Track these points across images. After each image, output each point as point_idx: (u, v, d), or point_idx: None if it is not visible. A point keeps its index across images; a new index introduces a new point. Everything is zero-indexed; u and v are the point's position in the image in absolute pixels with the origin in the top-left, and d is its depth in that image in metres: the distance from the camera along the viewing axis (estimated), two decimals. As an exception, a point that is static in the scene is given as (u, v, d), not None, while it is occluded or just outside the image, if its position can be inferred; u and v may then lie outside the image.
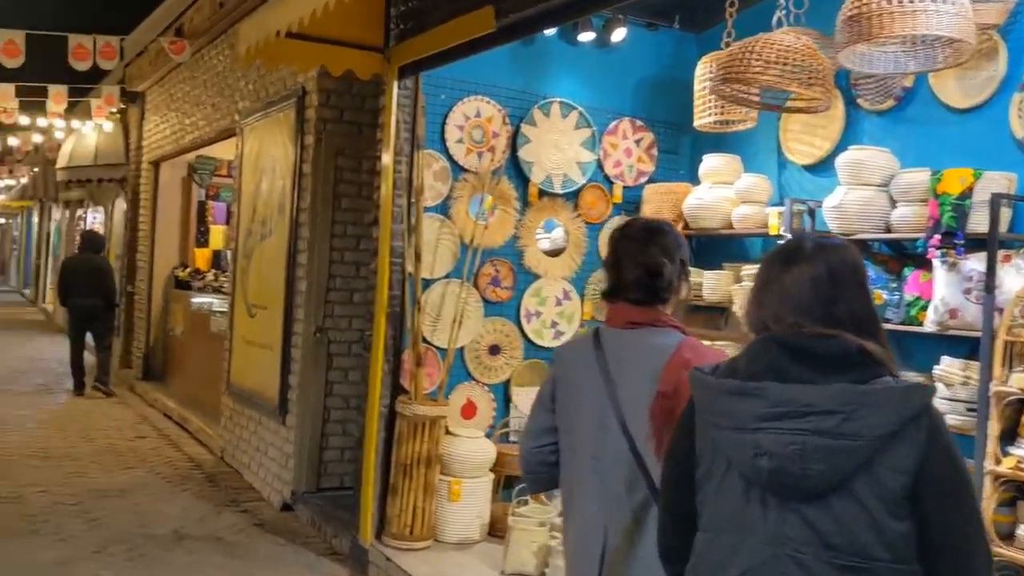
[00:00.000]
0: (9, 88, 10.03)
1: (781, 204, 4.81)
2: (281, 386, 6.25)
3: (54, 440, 7.93)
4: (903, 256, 4.34)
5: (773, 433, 1.63)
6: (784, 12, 3.93)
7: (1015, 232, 3.98)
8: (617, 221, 5.50)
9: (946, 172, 3.93)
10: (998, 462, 3.56)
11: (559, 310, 5.66)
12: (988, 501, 3.55)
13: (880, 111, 4.68)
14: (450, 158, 5.31)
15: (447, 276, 5.30)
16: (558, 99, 5.59)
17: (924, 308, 4.03)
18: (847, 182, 4.37)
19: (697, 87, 4.40)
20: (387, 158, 4.95)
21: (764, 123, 4.82)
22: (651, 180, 5.82)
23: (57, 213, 21.27)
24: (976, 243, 3.82)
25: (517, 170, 5.54)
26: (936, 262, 3.94)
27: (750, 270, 4.72)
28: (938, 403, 3.51)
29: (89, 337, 10.58)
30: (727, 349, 4.04)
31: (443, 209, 5.30)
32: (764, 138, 5.27)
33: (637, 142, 5.83)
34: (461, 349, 5.35)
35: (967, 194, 3.85)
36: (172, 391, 9.91)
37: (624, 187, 5.79)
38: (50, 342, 14.76)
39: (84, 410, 9.50)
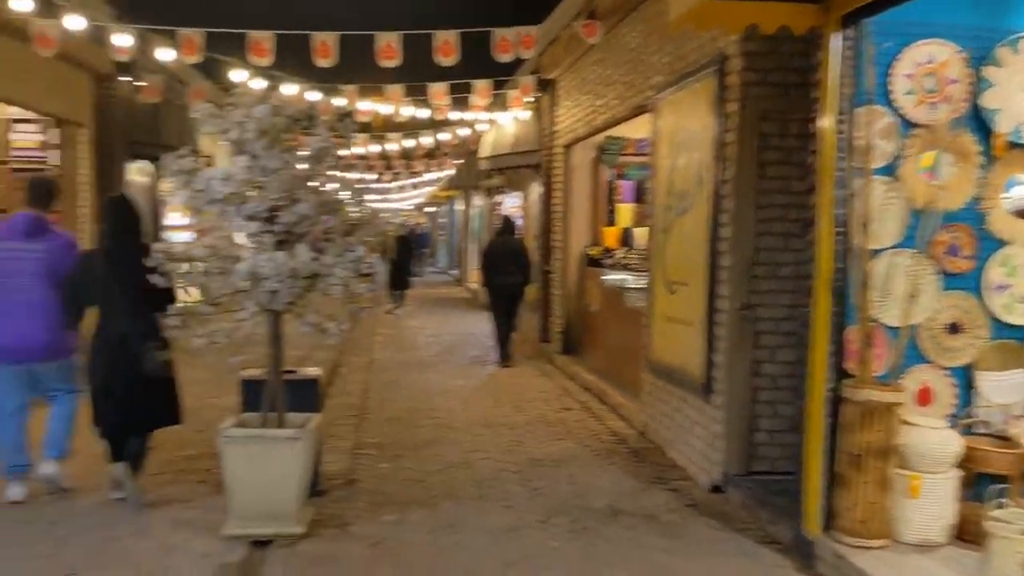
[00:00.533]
0: (443, 87, 10.98)
1: None
2: (706, 364, 6.08)
3: (491, 410, 8.55)
4: None
5: None
6: None
7: None
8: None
9: None
10: None
11: (1035, 281, 4.82)
12: None
13: None
14: (897, 112, 4.73)
15: (895, 246, 4.74)
16: (1031, 32, 4.74)
17: None
18: None
19: None
20: (826, 118, 4.51)
21: None
22: None
23: (478, 200, 23.25)
24: None
25: (978, 120, 4.79)
26: None
27: None
28: None
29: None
30: None
31: (889, 170, 4.74)
32: None
33: None
34: (914, 327, 4.76)
35: None
36: (590, 365, 10.26)
37: (1121, 131, 4.77)
38: (476, 319, 16.13)
39: (511, 381, 10.17)
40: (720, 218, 5.96)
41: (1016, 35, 4.75)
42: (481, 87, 11.19)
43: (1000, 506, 4.02)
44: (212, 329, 4.89)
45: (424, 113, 12.58)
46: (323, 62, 8.28)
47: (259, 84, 9.06)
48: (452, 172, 24.46)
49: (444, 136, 15.94)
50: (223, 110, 4.94)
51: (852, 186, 4.52)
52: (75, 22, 7.24)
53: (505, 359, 11.35)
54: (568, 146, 11.31)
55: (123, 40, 7.74)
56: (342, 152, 5.19)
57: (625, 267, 9.74)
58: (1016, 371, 4.85)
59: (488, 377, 10.54)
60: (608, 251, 10.80)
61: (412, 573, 4.53)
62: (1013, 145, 4.79)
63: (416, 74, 10.32)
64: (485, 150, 14.75)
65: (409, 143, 16.63)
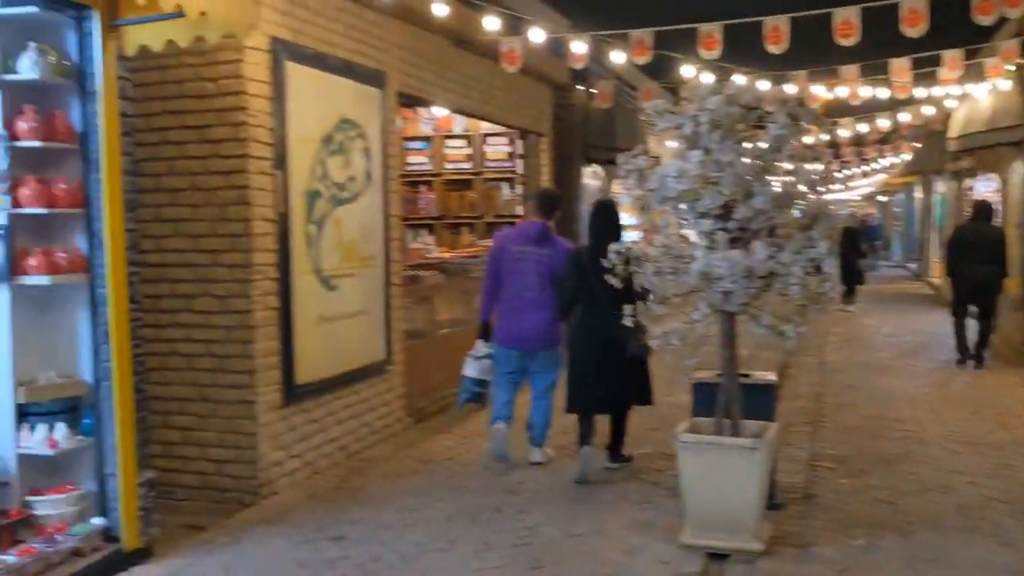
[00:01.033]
0: (905, 62, 9.92)
1: None
2: None
3: (968, 424, 7.48)
4: None
5: None
6: None
7: None
8: None
9: None
10: None
11: None
12: None
13: None
14: None
15: None
16: None
17: None
18: None
19: None
20: None
21: None
22: None
23: (940, 185, 20.96)
24: None
25: None
26: None
27: None
28: None
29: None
30: None
31: None
32: None
33: None
34: None
35: None
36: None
37: None
38: (940, 317, 14.46)
39: (990, 391, 8.85)
40: None
41: None
42: (951, 58, 9.91)
43: None
44: (666, 330, 4.80)
45: (883, 93, 11.50)
46: (774, 48, 7.85)
47: (707, 78, 8.90)
48: (909, 156, 22.33)
49: (904, 117, 14.50)
50: (676, 105, 4.83)
51: None
52: (537, 35, 7.67)
53: (977, 362, 9.98)
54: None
55: (579, 47, 8.04)
56: (803, 140, 4.77)
57: None
58: None
59: (962, 385, 9.29)
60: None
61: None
62: None
63: (874, 52, 9.41)
64: (954, 129, 13.13)
65: (862, 128, 15.40)
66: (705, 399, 5.06)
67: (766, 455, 4.60)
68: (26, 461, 4.36)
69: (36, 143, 4.24)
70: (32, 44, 4.20)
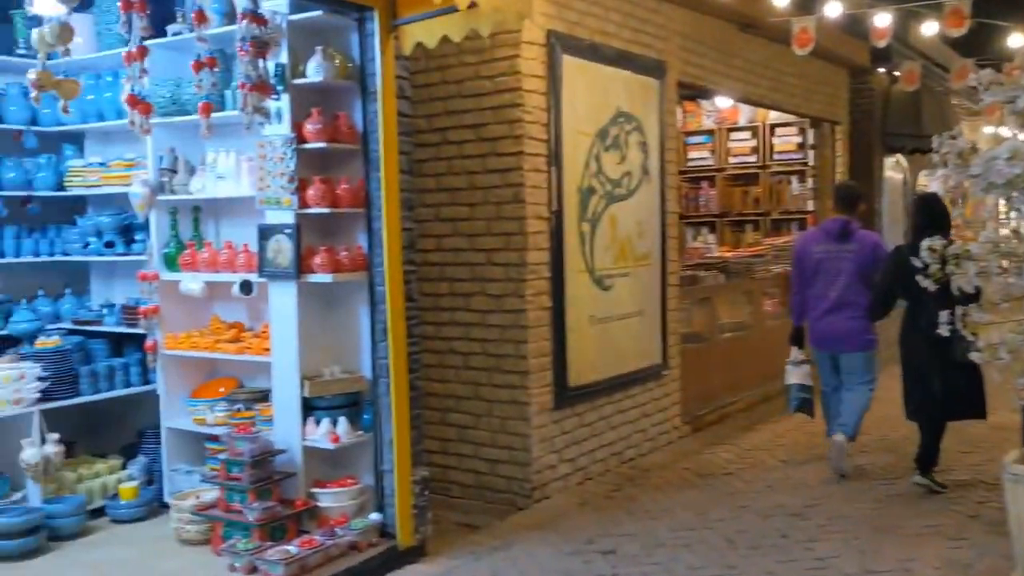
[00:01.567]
0: None
1: None
2: None
3: None
4: None
5: None
6: None
7: None
8: None
9: None
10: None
11: None
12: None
13: None
14: None
15: None
16: None
17: None
18: None
19: None
20: None
21: None
22: None
23: None
24: None
25: None
26: None
27: None
28: None
29: None
30: None
31: None
32: None
33: None
34: None
35: None
36: None
37: None
38: None
39: None
40: None
41: None
42: None
43: None
44: (993, 342, 4.06)
45: None
46: None
47: (1037, 48, 7.69)
48: None
49: None
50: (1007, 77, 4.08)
51: None
52: (834, 8, 6.95)
53: None
54: None
55: (882, 20, 7.19)
56: None
57: None
58: None
59: None
60: None
61: None
62: None
63: None
64: None
65: None
66: (1041, 424, 4.26)
67: None
68: (310, 453, 4.52)
69: (322, 144, 4.38)
70: (318, 48, 4.34)
